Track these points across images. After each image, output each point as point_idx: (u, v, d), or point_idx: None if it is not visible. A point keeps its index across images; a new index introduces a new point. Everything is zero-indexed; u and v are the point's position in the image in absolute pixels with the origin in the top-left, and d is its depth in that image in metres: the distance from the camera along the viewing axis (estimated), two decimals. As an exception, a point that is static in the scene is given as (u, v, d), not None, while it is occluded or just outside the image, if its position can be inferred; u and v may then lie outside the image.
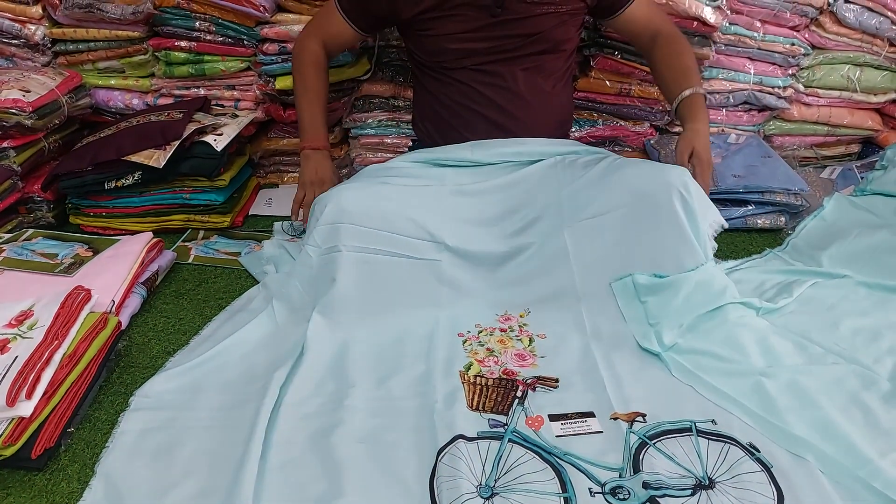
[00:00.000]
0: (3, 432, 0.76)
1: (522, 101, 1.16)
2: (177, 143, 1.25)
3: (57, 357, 0.85)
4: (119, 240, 1.17)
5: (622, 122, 1.49)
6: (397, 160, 1.18)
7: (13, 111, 1.21)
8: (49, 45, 1.41)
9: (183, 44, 1.37)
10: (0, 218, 1.26)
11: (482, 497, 0.72)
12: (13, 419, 0.78)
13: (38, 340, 0.85)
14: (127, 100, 1.45)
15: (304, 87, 1.24)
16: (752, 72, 1.46)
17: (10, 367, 0.81)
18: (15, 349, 0.85)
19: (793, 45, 1.43)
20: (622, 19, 1.18)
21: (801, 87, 1.50)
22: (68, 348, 0.87)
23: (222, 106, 1.47)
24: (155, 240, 1.16)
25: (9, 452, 0.76)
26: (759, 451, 0.77)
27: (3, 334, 0.88)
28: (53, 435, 0.81)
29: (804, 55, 1.46)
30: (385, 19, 1.19)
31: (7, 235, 1.20)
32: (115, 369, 0.96)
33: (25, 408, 0.78)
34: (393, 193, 1.07)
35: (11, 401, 0.77)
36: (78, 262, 1.10)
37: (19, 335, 0.88)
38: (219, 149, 1.28)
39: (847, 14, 1.40)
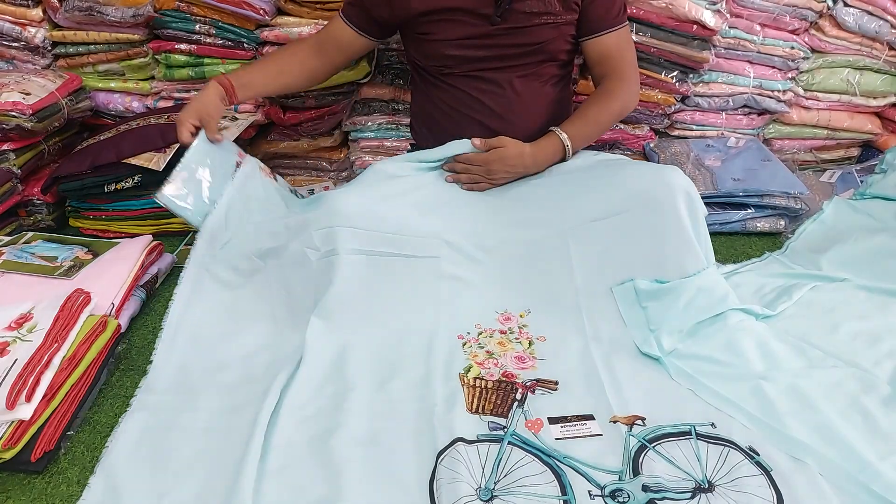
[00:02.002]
0: (3, 435, 0.76)
1: (520, 107, 1.16)
2: (177, 145, 1.25)
3: (56, 360, 0.85)
4: (118, 242, 1.17)
5: (622, 126, 1.49)
6: (394, 162, 1.18)
7: (13, 114, 1.22)
8: (49, 48, 1.42)
9: (183, 46, 1.37)
10: (0, 221, 1.26)
11: (482, 500, 0.72)
12: (13, 422, 0.78)
13: (38, 343, 0.85)
14: (127, 102, 1.46)
15: (268, 56, 1.23)
16: (751, 75, 1.47)
17: (9, 370, 0.81)
18: (14, 352, 0.85)
19: (792, 48, 1.44)
20: (594, 43, 1.15)
21: (801, 91, 1.50)
22: (68, 351, 0.87)
23: (222, 109, 1.47)
24: (154, 242, 1.16)
25: (8, 455, 0.76)
26: (758, 455, 0.77)
27: (2, 337, 0.88)
28: (53, 438, 0.81)
29: (804, 59, 1.46)
30: (389, 23, 1.18)
31: (7, 238, 1.20)
32: (115, 372, 0.95)
33: (25, 411, 0.78)
34: (389, 194, 1.07)
35: (11, 404, 0.77)
36: (77, 265, 1.10)
37: (19, 338, 0.88)
38: (219, 151, 1.27)
39: (847, 18, 1.41)
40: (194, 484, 0.75)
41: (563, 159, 1.14)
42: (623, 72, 1.17)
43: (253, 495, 0.71)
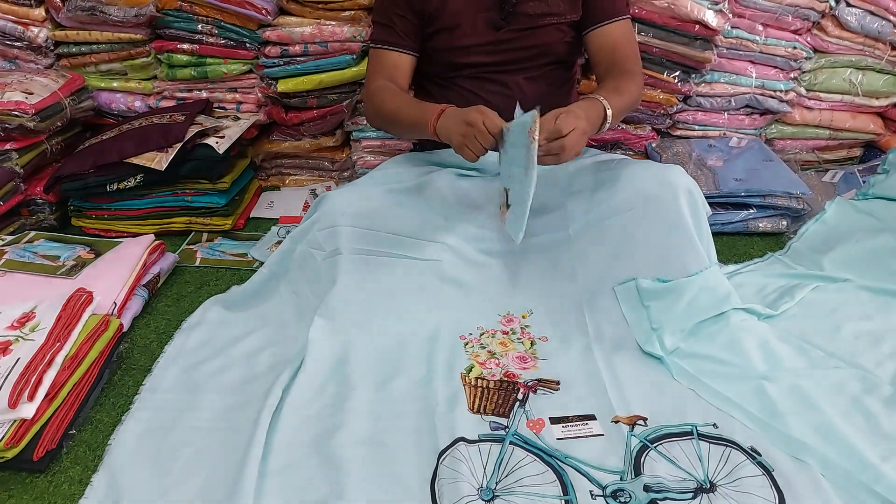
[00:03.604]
0: (6, 434, 0.77)
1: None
2: (179, 145, 1.25)
3: (59, 359, 0.85)
4: (121, 242, 1.18)
5: (624, 126, 1.49)
6: (396, 162, 1.18)
7: (16, 113, 1.22)
8: (52, 48, 1.42)
9: (185, 46, 1.38)
10: (2, 220, 1.26)
11: (483, 500, 0.72)
12: (15, 421, 0.78)
13: (41, 342, 0.86)
14: (129, 102, 1.46)
15: (392, 108, 1.08)
16: (753, 75, 1.47)
17: (12, 369, 0.81)
18: (17, 351, 0.85)
19: (795, 48, 1.44)
20: (597, 34, 1.11)
21: (803, 91, 1.50)
22: (70, 350, 0.88)
23: (224, 108, 1.47)
24: (157, 242, 1.16)
25: (11, 454, 0.77)
26: (760, 455, 0.77)
27: (5, 336, 0.88)
28: (55, 437, 0.81)
29: (806, 59, 1.46)
30: (419, 29, 1.13)
31: (9, 237, 1.20)
32: (117, 371, 0.96)
33: (27, 410, 0.79)
34: (391, 194, 1.07)
35: (14, 403, 0.77)
36: (80, 265, 1.10)
37: (21, 337, 0.88)
38: (221, 151, 1.28)
39: (849, 18, 1.40)
40: (196, 483, 0.75)
41: (598, 132, 1.01)
42: (631, 66, 1.11)
43: (254, 494, 0.71)
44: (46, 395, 0.81)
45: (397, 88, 1.12)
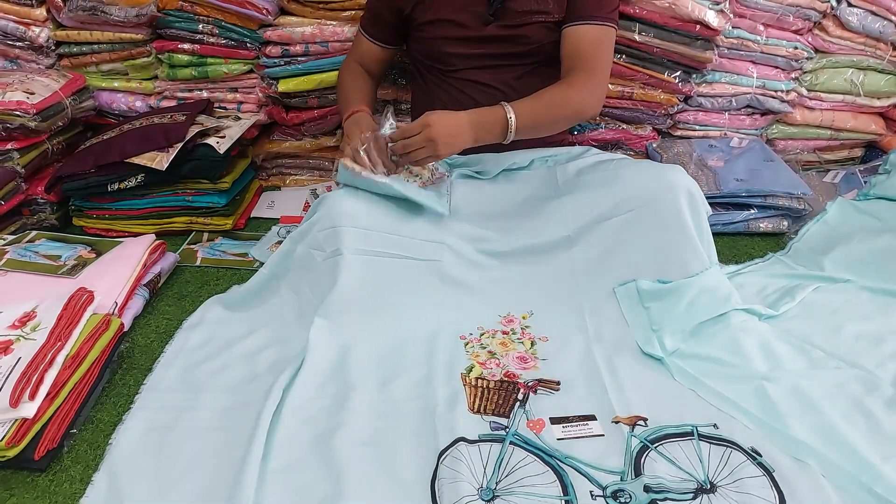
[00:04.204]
0: (7, 433, 0.77)
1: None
2: (179, 145, 1.25)
3: (60, 358, 0.85)
4: (121, 242, 1.18)
5: (624, 126, 1.49)
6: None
7: (17, 113, 1.22)
8: (53, 48, 1.42)
9: (186, 46, 1.38)
10: (4, 220, 1.27)
11: (483, 500, 0.72)
12: (16, 420, 0.78)
13: (42, 342, 0.86)
14: (130, 102, 1.46)
15: (340, 88, 1.27)
16: (754, 75, 1.46)
17: (13, 369, 0.81)
18: (18, 350, 0.85)
19: (796, 48, 1.43)
20: (569, 32, 1.11)
21: (805, 91, 1.50)
22: (71, 350, 0.88)
23: (225, 108, 1.47)
24: (157, 242, 1.16)
25: (12, 453, 0.77)
26: (760, 456, 0.77)
27: (6, 336, 0.88)
28: (56, 436, 0.81)
29: (807, 59, 1.46)
30: (397, 25, 1.20)
31: (11, 237, 1.20)
32: (118, 371, 0.96)
33: (29, 409, 0.79)
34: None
35: (15, 402, 0.77)
36: (81, 264, 1.10)
37: (22, 336, 0.88)
38: (221, 151, 1.28)
39: (850, 18, 1.40)
40: (197, 482, 0.76)
41: (505, 137, 1.04)
42: (592, 69, 1.08)
43: (255, 494, 0.71)
44: (48, 395, 0.81)
45: (360, 71, 1.26)
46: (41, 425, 0.80)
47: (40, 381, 0.81)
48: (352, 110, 1.15)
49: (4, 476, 0.79)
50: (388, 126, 1.04)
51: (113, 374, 0.95)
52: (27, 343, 0.86)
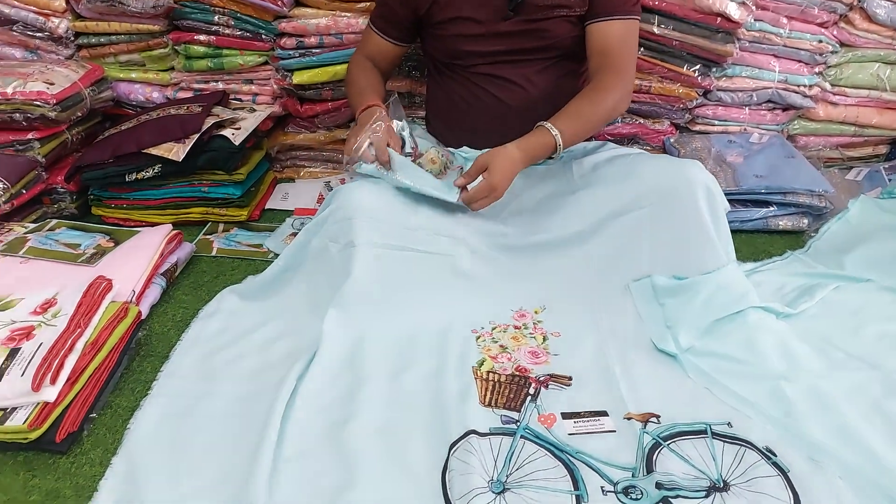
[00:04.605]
0: (29, 416, 0.78)
1: (537, 103, 1.14)
2: (196, 136, 1.26)
3: (80, 344, 0.87)
4: (139, 231, 1.19)
5: (641, 120, 1.47)
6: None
7: (37, 103, 1.24)
8: (72, 39, 1.44)
9: (202, 38, 1.38)
10: (25, 208, 1.29)
11: (493, 492, 0.72)
12: (38, 404, 0.80)
13: (62, 328, 0.87)
14: (147, 93, 1.47)
15: (350, 83, 1.23)
16: (776, 69, 1.43)
17: (35, 354, 0.83)
18: (40, 336, 0.87)
19: (820, 42, 1.40)
20: (595, 28, 1.09)
21: (828, 86, 1.47)
22: (91, 336, 0.89)
23: (240, 100, 1.48)
24: (174, 232, 1.18)
25: (34, 436, 0.78)
26: (775, 455, 0.76)
27: (28, 321, 0.90)
28: (77, 420, 0.83)
29: (832, 53, 1.42)
30: (410, 23, 1.18)
31: (32, 225, 1.22)
32: (136, 358, 0.97)
33: (50, 393, 0.80)
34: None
35: (37, 386, 0.79)
36: (100, 253, 1.12)
37: (44, 322, 0.90)
38: (237, 143, 1.29)
39: (878, 10, 1.36)
40: (212, 467, 0.77)
41: (551, 157, 1.06)
42: (621, 68, 1.08)
43: (269, 480, 0.72)
44: (68, 380, 0.83)
45: (369, 66, 1.23)
46: (62, 409, 0.82)
47: (61, 366, 0.83)
48: (367, 104, 1.13)
49: (27, 458, 0.81)
50: (406, 135, 1.06)
51: (131, 361, 0.96)
52: (48, 329, 0.88)
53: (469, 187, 1.01)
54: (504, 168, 0.99)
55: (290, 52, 1.39)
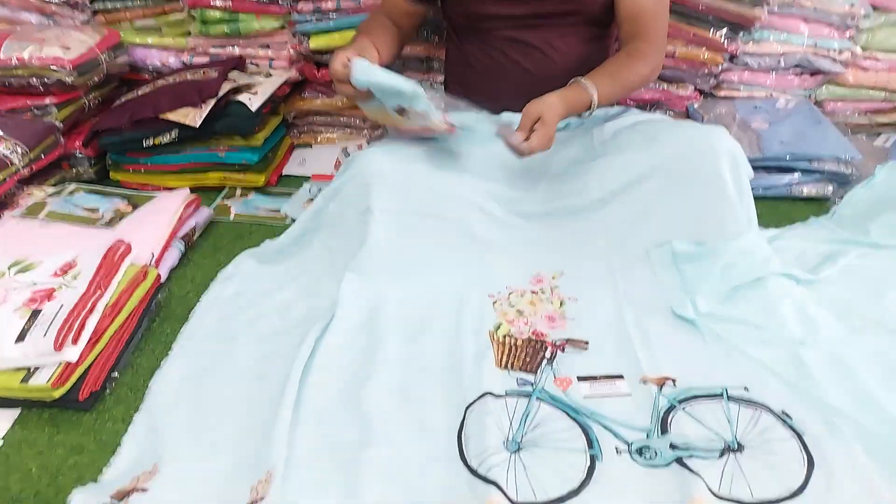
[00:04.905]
0: (52, 375, 0.80)
1: (558, 68, 1.12)
2: (212, 101, 1.26)
3: (100, 306, 0.88)
4: (157, 195, 1.20)
5: (665, 86, 1.44)
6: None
7: (54, 68, 1.24)
8: (88, 4, 1.43)
9: (218, 3, 1.36)
10: (44, 173, 1.30)
11: (509, 451, 0.73)
12: (61, 363, 0.82)
13: (82, 290, 0.89)
14: (164, 58, 1.47)
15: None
16: (806, 33, 1.38)
17: (56, 314, 0.85)
18: (60, 297, 0.88)
19: (852, 5, 1.34)
20: None
21: (859, 51, 1.41)
22: (111, 298, 0.91)
23: (257, 65, 1.47)
24: (192, 196, 1.18)
25: (57, 394, 0.81)
26: (791, 419, 0.76)
27: (49, 283, 0.92)
28: (99, 379, 0.85)
29: (865, 17, 1.37)
30: None
31: (51, 189, 1.24)
32: (156, 319, 0.99)
33: (72, 353, 0.82)
34: (424, 154, 1.06)
35: (59, 346, 0.81)
36: (118, 217, 1.13)
37: (64, 284, 0.91)
38: (253, 108, 1.28)
39: (914, -30, 1.30)
40: (232, 424, 0.78)
41: (580, 115, 1.06)
42: (655, 35, 1.07)
43: (287, 438, 0.74)
44: (89, 340, 0.85)
45: (383, 21, 1.15)
46: (84, 369, 0.84)
47: (82, 326, 0.84)
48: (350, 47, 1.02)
49: (52, 414, 0.83)
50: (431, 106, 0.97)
51: (151, 323, 0.98)
52: (69, 291, 0.89)
53: (512, 139, 0.98)
54: (553, 119, 0.98)
55: (307, 17, 1.37)
